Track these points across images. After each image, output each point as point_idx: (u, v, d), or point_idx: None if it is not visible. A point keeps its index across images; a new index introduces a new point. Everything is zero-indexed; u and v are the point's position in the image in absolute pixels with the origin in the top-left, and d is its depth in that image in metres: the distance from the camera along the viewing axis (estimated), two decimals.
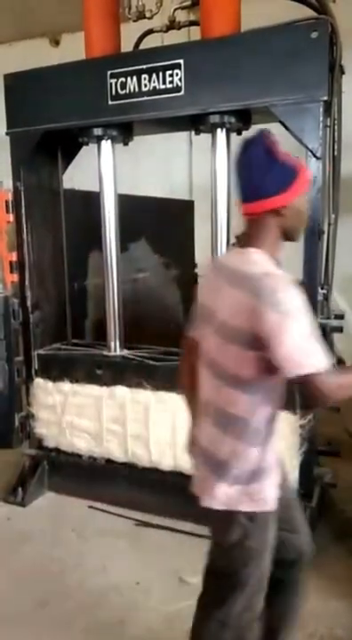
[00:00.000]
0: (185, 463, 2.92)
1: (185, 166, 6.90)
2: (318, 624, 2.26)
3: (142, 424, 3.00)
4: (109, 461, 3.19)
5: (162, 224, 4.72)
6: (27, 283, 3.27)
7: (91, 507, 3.18)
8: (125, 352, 3.23)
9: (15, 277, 3.54)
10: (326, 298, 2.72)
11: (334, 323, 2.70)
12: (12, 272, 3.73)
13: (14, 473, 3.36)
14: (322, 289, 2.68)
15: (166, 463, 2.98)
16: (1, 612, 2.40)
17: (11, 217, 3.50)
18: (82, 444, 3.20)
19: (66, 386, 3.20)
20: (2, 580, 2.61)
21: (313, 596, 2.40)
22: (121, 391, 3.05)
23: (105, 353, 3.25)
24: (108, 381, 3.09)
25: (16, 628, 2.30)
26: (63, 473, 3.34)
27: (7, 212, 3.70)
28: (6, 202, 3.69)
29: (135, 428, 3.02)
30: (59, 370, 3.24)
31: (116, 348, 3.24)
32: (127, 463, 3.12)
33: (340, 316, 2.78)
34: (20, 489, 3.24)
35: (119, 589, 2.50)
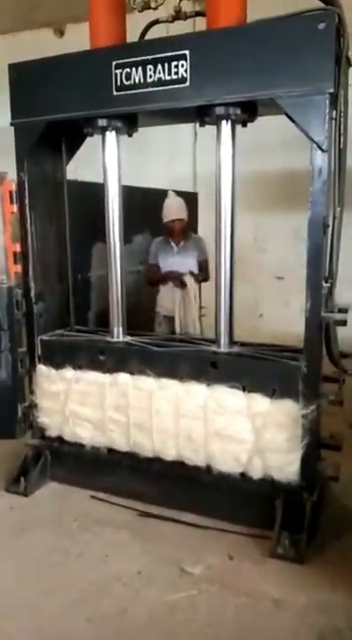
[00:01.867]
0: (187, 452, 2.95)
1: (189, 158, 6.88)
2: (318, 616, 2.28)
3: (145, 412, 3.01)
4: (112, 451, 3.20)
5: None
6: (30, 274, 3.28)
7: (93, 497, 3.20)
8: (128, 338, 3.24)
9: (19, 268, 3.54)
10: (330, 291, 2.72)
11: (338, 316, 2.70)
12: (15, 263, 3.74)
13: (17, 463, 3.37)
14: (326, 282, 2.67)
15: (168, 452, 2.99)
16: (4, 601, 2.42)
17: (15, 208, 3.50)
18: (85, 433, 3.22)
19: (68, 373, 3.22)
20: (4, 569, 2.63)
21: (313, 588, 2.43)
22: (123, 378, 3.06)
23: (108, 339, 3.25)
24: (110, 367, 3.10)
25: (19, 617, 2.32)
26: (65, 463, 3.36)
27: (11, 202, 3.69)
28: (10, 193, 3.68)
29: (138, 416, 3.03)
30: (62, 356, 3.25)
31: (118, 335, 3.25)
32: (129, 453, 3.14)
33: (344, 310, 2.78)
34: (22, 479, 3.26)
35: (121, 579, 2.52)
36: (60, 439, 3.35)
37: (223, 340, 2.99)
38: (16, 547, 2.80)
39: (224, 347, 2.99)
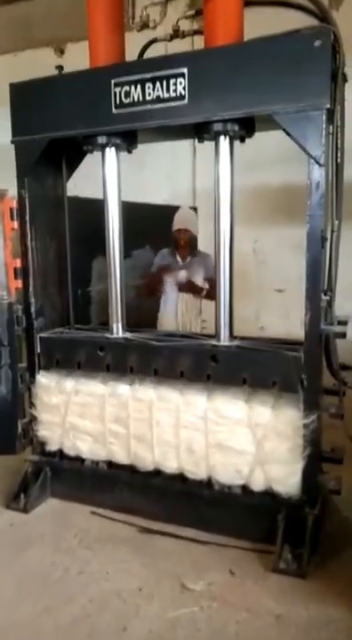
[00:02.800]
0: (188, 465, 2.94)
1: (188, 173, 6.95)
2: (321, 631, 2.26)
3: (145, 424, 3.00)
4: (112, 467, 3.19)
5: (165, 230, 4.74)
6: (31, 289, 3.29)
7: (93, 513, 3.18)
8: (128, 334, 3.24)
9: (19, 284, 3.57)
10: (330, 304, 2.73)
11: (337, 329, 2.71)
12: (16, 278, 3.76)
13: (17, 479, 3.35)
14: (325, 295, 2.69)
15: (169, 465, 2.99)
16: (4, 618, 2.39)
17: (15, 224, 3.53)
18: (85, 447, 3.21)
19: (68, 385, 3.21)
20: (5, 586, 2.61)
21: (316, 603, 2.41)
22: (123, 389, 3.06)
23: (107, 335, 3.25)
24: (110, 364, 3.09)
25: (19, 634, 2.30)
26: (66, 479, 3.34)
27: (12, 219, 3.73)
28: (11, 209, 3.72)
29: (138, 427, 3.03)
30: (61, 353, 3.24)
31: (118, 331, 3.25)
32: (130, 468, 3.12)
33: (344, 322, 2.79)
34: (22, 495, 3.24)
35: (121, 595, 2.50)
36: (60, 455, 3.33)
37: (223, 334, 2.99)
38: (16, 563, 2.78)
39: (224, 341, 2.98)
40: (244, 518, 2.90)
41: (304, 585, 2.54)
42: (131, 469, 3.13)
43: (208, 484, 2.92)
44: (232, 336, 3.02)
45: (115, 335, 3.25)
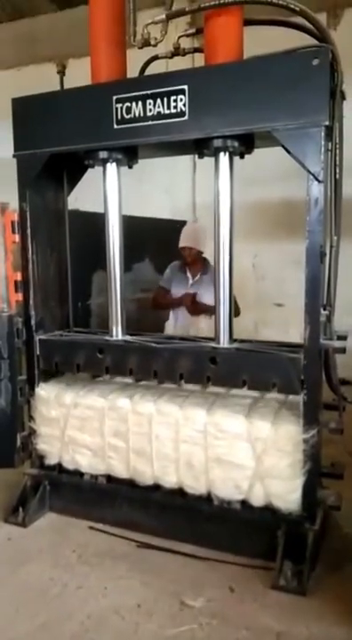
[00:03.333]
0: (188, 479, 2.92)
1: (188, 188, 6.99)
2: None
3: (144, 437, 2.99)
4: (111, 481, 3.18)
5: (165, 244, 4.77)
6: (31, 302, 3.30)
7: (92, 527, 3.16)
8: (127, 337, 3.23)
9: (20, 297, 3.58)
10: (329, 319, 2.74)
11: (337, 344, 2.71)
12: (16, 291, 3.78)
13: (16, 493, 3.34)
14: (324, 310, 2.69)
15: (169, 479, 2.97)
16: (1, 634, 2.37)
17: (16, 237, 3.56)
18: (84, 461, 3.19)
19: (67, 398, 3.21)
20: (2, 601, 2.59)
21: (316, 620, 2.39)
22: (122, 402, 3.06)
23: (107, 338, 3.25)
24: (109, 366, 3.09)
25: None
26: (64, 493, 3.32)
27: (13, 232, 3.76)
28: (12, 222, 3.75)
29: (137, 441, 3.02)
30: (60, 355, 3.24)
31: (117, 334, 3.24)
32: (129, 483, 3.11)
33: (343, 337, 2.79)
34: (21, 509, 3.22)
35: (120, 612, 2.47)
36: (59, 468, 3.32)
37: (222, 337, 2.99)
38: (14, 578, 2.76)
39: (223, 343, 2.98)
40: (243, 534, 2.88)
41: (304, 602, 2.51)
42: (130, 484, 3.11)
43: (207, 498, 2.91)
44: (232, 339, 3.02)
45: (114, 338, 3.24)
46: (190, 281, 4.35)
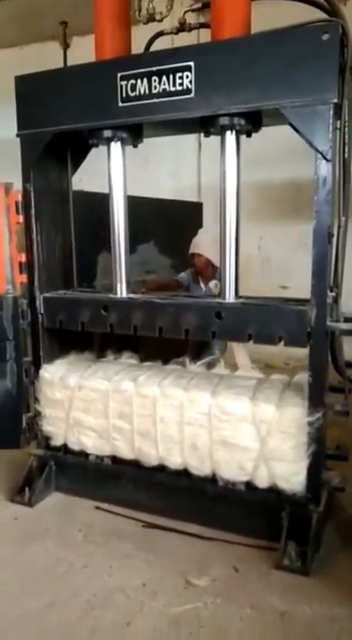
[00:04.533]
0: (192, 461, 2.93)
1: (193, 169, 6.92)
2: (325, 629, 2.25)
3: (149, 419, 2.99)
4: (116, 462, 3.19)
5: (170, 226, 4.74)
6: (36, 283, 3.28)
7: (98, 507, 3.18)
8: (132, 295, 3.21)
9: (24, 278, 3.57)
10: (336, 301, 2.71)
11: (344, 326, 2.69)
12: (21, 273, 3.77)
13: (22, 473, 3.36)
14: (331, 292, 2.67)
15: (174, 460, 2.98)
16: (8, 612, 2.40)
17: (20, 218, 3.53)
18: (89, 442, 3.20)
19: (72, 380, 3.20)
20: (9, 580, 2.62)
21: (320, 600, 2.41)
22: (127, 385, 3.05)
23: (111, 296, 3.22)
24: (114, 323, 3.06)
25: (22, 629, 2.30)
26: (70, 474, 3.34)
27: (17, 213, 3.74)
28: (16, 203, 3.73)
29: (141, 423, 3.02)
30: (64, 313, 3.21)
31: (121, 292, 3.21)
32: (134, 463, 3.12)
33: (350, 319, 2.77)
34: (27, 489, 3.24)
35: (125, 590, 2.50)
36: (64, 449, 3.34)
37: (228, 293, 2.95)
38: (20, 558, 2.79)
39: (229, 299, 2.95)
40: (248, 515, 2.89)
41: (308, 582, 2.53)
42: (135, 465, 3.12)
43: (212, 480, 2.92)
44: (237, 296, 2.99)
45: (118, 296, 3.21)
46: (203, 289, 4.37)
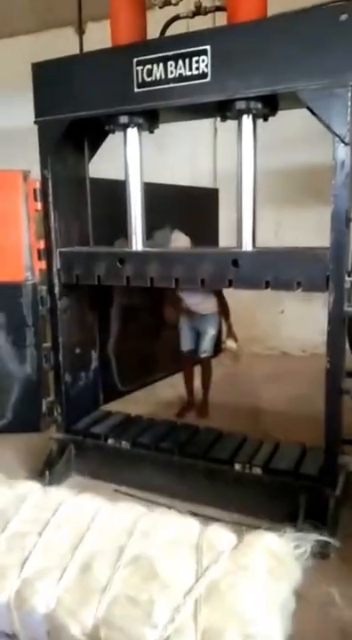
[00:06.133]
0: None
1: (209, 154, 6.87)
2: (343, 610, 2.27)
3: None
4: (134, 445, 3.24)
5: (186, 212, 4.73)
6: (54, 270, 3.31)
7: (116, 490, 3.23)
8: (147, 249, 3.22)
9: (43, 265, 3.60)
10: None
11: None
12: (39, 259, 3.81)
13: (42, 456, 3.42)
14: (349, 276, 2.65)
15: None
16: None
17: (38, 205, 3.56)
18: None
19: None
20: None
21: (336, 582, 2.42)
22: None
23: (126, 249, 3.22)
24: (130, 275, 3.06)
25: None
26: (89, 457, 3.41)
27: (35, 200, 3.77)
28: (34, 190, 3.76)
29: None
30: (81, 267, 3.21)
31: (137, 245, 3.20)
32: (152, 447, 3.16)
33: None
34: (47, 472, 3.31)
35: None
36: (83, 433, 3.39)
37: (245, 243, 2.92)
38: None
39: (246, 249, 2.92)
40: (265, 498, 2.92)
41: (325, 565, 2.54)
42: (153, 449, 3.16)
43: (229, 463, 2.95)
44: (254, 246, 2.96)
45: (134, 249, 3.20)
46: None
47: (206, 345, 4.26)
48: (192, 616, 1.66)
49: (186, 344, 4.34)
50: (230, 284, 2.82)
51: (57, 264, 3.27)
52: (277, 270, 2.72)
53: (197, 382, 4.48)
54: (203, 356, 4.28)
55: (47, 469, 3.33)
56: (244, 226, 2.91)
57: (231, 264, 2.79)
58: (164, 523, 2.06)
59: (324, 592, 2.37)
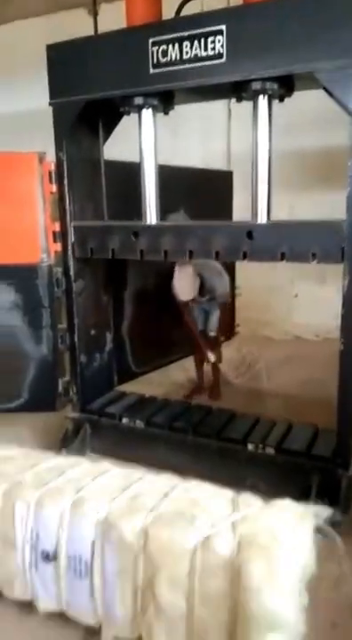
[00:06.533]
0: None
1: (223, 137, 6.83)
2: None
3: None
4: (149, 424, 3.30)
5: (200, 194, 4.72)
6: (69, 252, 3.35)
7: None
8: (161, 222, 3.23)
9: (58, 247, 3.64)
10: None
11: None
12: (55, 242, 3.85)
13: (58, 435, 3.49)
14: None
15: None
16: None
17: (54, 187, 3.58)
18: None
19: None
20: None
21: (348, 560, 2.46)
22: None
23: (141, 223, 3.22)
24: (144, 249, 3.07)
25: None
26: (104, 436, 3.47)
27: (50, 182, 3.79)
28: (49, 172, 3.78)
29: None
30: (95, 241, 3.24)
31: (151, 219, 3.21)
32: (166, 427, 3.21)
33: None
34: (63, 450, 3.37)
35: None
36: (99, 412, 3.45)
37: (260, 215, 2.91)
38: None
39: (261, 221, 2.92)
40: (278, 478, 2.95)
41: (336, 543, 2.58)
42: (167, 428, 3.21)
43: (243, 442, 2.99)
44: (269, 218, 2.95)
45: (148, 223, 3.21)
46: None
47: (213, 323, 4.29)
48: (230, 526, 1.87)
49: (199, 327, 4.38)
50: (245, 257, 2.81)
51: (71, 238, 3.29)
52: (292, 242, 2.71)
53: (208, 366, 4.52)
54: (211, 334, 4.31)
55: (63, 448, 3.39)
56: (259, 198, 2.90)
57: (246, 236, 2.78)
58: (203, 485, 2.22)
59: (335, 569, 2.42)
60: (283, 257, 2.71)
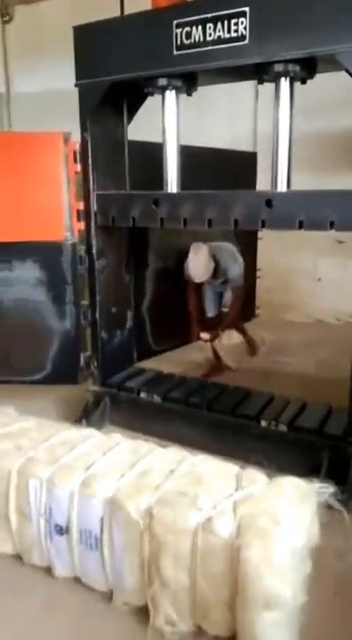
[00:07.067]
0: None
1: (250, 118, 6.79)
2: None
3: None
4: (165, 399, 3.40)
5: (224, 176, 4.73)
6: (92, 231, 3.43)
7: (147, 441, 3.40)
8: (181, 191, 3.28)
9: (82, 225, 3.73)
10: None
11: None
12: (79, 220, 3.94)
13: (79, 407, 3.62)
14: None
15: None
16: None
17: (78, 167, 3.66)
18: None
19: None
20: None
21: None
22: None
23: (161, 192, 3.28)
24: (164, 217, 3.12)
25: None
26: (123, 409, 3.59)
27: (75, 162, 3.87)
28: (74, 152, 3.86)
29: None
30: (116, 210, 3.31)
31: (171, 187, 3.27)
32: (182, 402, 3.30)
33: None
34: (84, 421, 3.49)
35: None
36: (118, 387, 3.56)
37: (280, 184, 2.95)
38: None
39: (280, 190, 2.95)
40: (289, 454, 3.02)
41: (343, 519, 2.64)
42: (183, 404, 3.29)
43: (256, 419, 3.06)
44: (289, 188, 2.98)
45: (168, 190, 3.28)
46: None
47: (227, 299, 4.35)
48: (231, 507, 1.94)
49: (210, 309, 4.44)
50: (263, 225, 2.83)
51: (94, 206, 3.37)
52: (311, 210, 2.72)
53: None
54: (224, 310, 4.38)
55: (84, 419, 3.52)
56: (280, 167, 2.93)
57: (265, 204, 2.81)
58: (209, 460, 2.31)
59: (340, 544, 2.49)
60: (300, 225, 2.72)
